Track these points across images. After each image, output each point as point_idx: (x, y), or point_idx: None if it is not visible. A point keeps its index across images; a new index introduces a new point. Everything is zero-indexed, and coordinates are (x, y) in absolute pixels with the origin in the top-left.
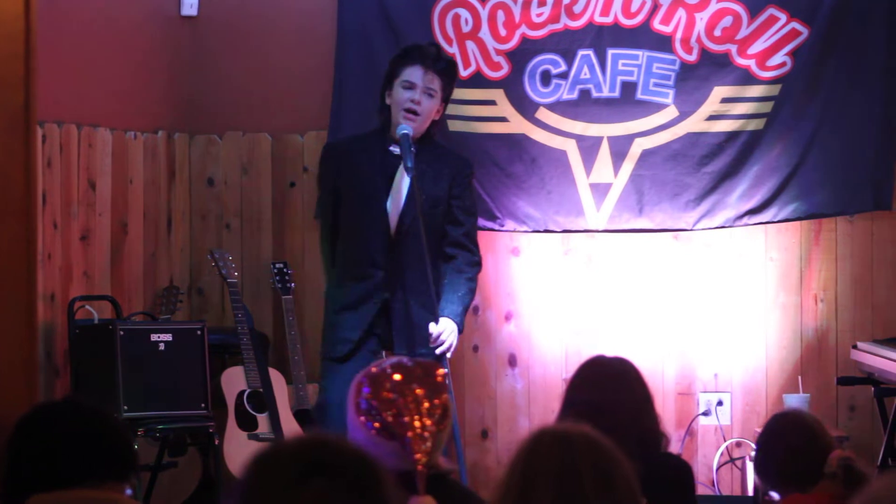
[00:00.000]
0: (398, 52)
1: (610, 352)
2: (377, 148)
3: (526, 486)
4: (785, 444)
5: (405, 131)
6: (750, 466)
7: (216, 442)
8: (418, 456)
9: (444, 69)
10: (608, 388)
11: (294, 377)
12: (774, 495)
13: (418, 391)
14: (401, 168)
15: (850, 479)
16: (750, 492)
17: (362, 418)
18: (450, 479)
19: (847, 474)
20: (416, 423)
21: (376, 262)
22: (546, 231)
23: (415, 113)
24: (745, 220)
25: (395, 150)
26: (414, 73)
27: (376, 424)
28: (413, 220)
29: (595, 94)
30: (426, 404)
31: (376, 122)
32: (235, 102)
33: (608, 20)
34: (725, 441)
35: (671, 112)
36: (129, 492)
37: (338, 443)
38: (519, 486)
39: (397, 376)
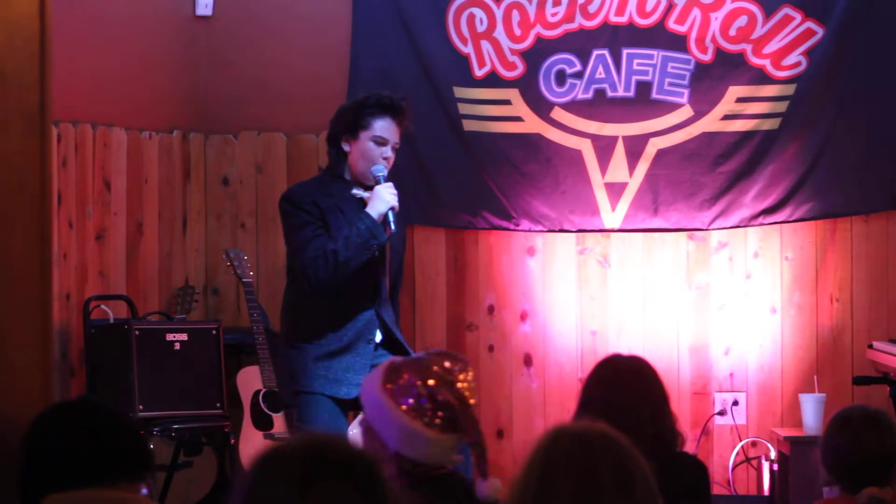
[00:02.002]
0: (364, 101)
1: (625, 351)
2: (344, 192)
3: (543, 485)
4: (848, 435)
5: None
6: (766, 465)
7: (232, 441)
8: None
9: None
10: (624, 388)
11: None
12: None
13: (463, 376)
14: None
15: None
16: (766, 491)
17: (404, 408)
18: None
19: None
20: (469, 406)
21: (364, 306)
22: (561, 230)
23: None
24: (761, 219)
25: (358, 193)
26: (387, 129)
27: (437, 417)
28: (390, 262)
29: (610, 93)
30: (469, 386)
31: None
32: (250, 102)
33: (623, 20)
34: (741, 441)
35: (686, 112)
36: (144, 491)
37: (342, 442)
38: (536, 486)
39: (436, 366)
